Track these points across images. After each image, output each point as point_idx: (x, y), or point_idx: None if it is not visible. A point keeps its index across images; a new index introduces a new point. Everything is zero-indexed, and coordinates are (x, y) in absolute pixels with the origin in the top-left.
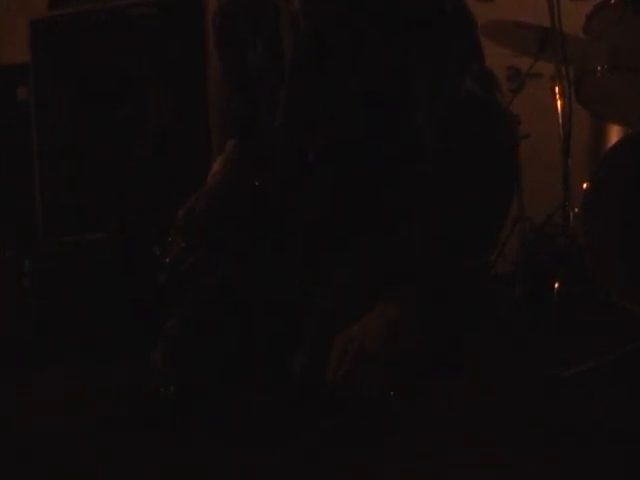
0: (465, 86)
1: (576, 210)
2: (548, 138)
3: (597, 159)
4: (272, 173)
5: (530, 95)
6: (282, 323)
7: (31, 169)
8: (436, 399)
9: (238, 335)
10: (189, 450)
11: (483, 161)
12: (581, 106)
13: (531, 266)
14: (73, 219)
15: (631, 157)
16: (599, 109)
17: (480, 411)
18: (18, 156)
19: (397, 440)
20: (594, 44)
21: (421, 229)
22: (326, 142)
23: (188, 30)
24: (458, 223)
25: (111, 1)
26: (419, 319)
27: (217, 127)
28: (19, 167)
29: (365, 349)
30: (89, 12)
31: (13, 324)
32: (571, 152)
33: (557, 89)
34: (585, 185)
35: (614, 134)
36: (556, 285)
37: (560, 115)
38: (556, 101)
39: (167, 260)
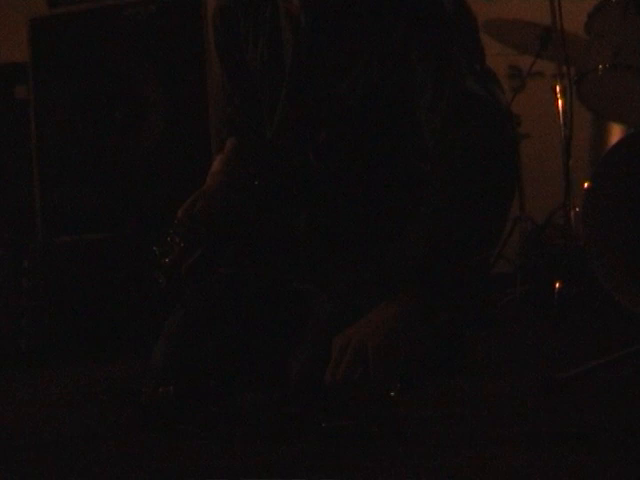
0: (466, 85)
1: (577, 210)
2: (549, 137)
3: (598, 159)
4: (272, 173)
5: (531, 94)
6: (282, 323)
7: (30, 168)
8: (436, 399)
9: (238, 335)
10: (189, 450)
11: (484, 160)
12: (582, 105)
13: (531, 266)
14: (72, 219)
15: (632, 157)
16: (600, 108)
17: (480, 411)
18: (16, 155)
19: (397, 440)
20: (595, 43)
21: (421, 229)
22: (326, 141)
23: (188, 29)
24: (458, 222)
25: (111, 0)
26: (419, 319)
27: (217, 127)
28: (17, 166)
29: (365, 349)
30: (89, 11)
31: (11, 324)
32: (572, 151)
33: (558, 88)
34: (586, 185)
35: (615, 134)
36: (556, 285)
37: (561, 114)
38: (557, 100)
39: (167, 260)
